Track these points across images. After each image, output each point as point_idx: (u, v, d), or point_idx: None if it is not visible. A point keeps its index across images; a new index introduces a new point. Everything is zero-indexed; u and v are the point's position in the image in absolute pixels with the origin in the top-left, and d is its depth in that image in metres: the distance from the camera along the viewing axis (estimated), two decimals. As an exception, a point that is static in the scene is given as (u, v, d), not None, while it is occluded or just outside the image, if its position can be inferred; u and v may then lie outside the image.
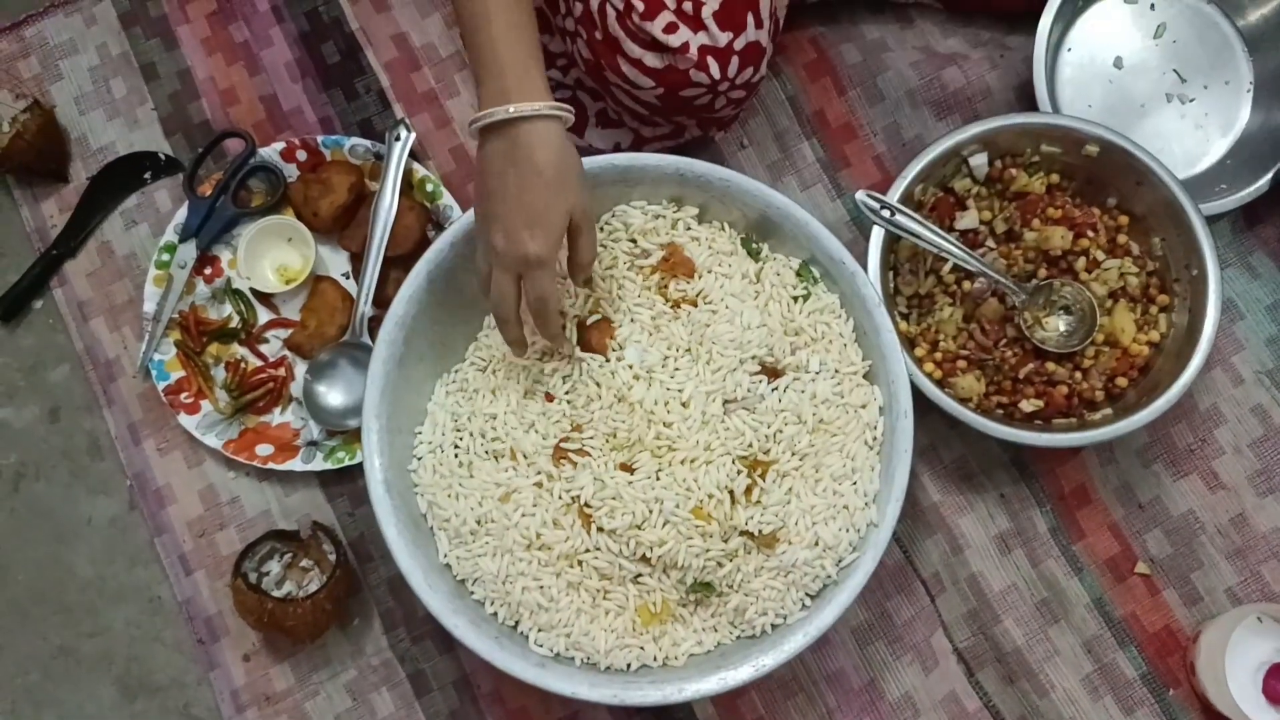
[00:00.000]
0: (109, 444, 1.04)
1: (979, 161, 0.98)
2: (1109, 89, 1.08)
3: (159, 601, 1.00)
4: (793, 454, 0.87)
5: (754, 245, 0.93)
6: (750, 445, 0.86)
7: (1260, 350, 1.02)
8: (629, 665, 0.85)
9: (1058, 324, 0.95)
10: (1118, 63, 1.09)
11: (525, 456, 0.88)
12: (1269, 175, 1.01)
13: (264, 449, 1.00)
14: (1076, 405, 0.95)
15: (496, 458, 0.89)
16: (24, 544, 1.02)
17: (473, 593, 0.87)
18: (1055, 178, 0.99)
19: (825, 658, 0.96)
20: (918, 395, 0.90)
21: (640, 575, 0.86)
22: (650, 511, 0.84)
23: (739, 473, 0.85)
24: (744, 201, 0.91)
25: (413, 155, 1.03)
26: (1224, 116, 1.08)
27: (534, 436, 0.88)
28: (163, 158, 1.10)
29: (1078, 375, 0.95)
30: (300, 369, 1.03)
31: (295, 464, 0.99)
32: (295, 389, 1.03)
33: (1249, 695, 0.90)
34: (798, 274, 0.92)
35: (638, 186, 0.92)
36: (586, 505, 0.85)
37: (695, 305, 0.91)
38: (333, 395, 1.00)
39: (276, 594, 0.95)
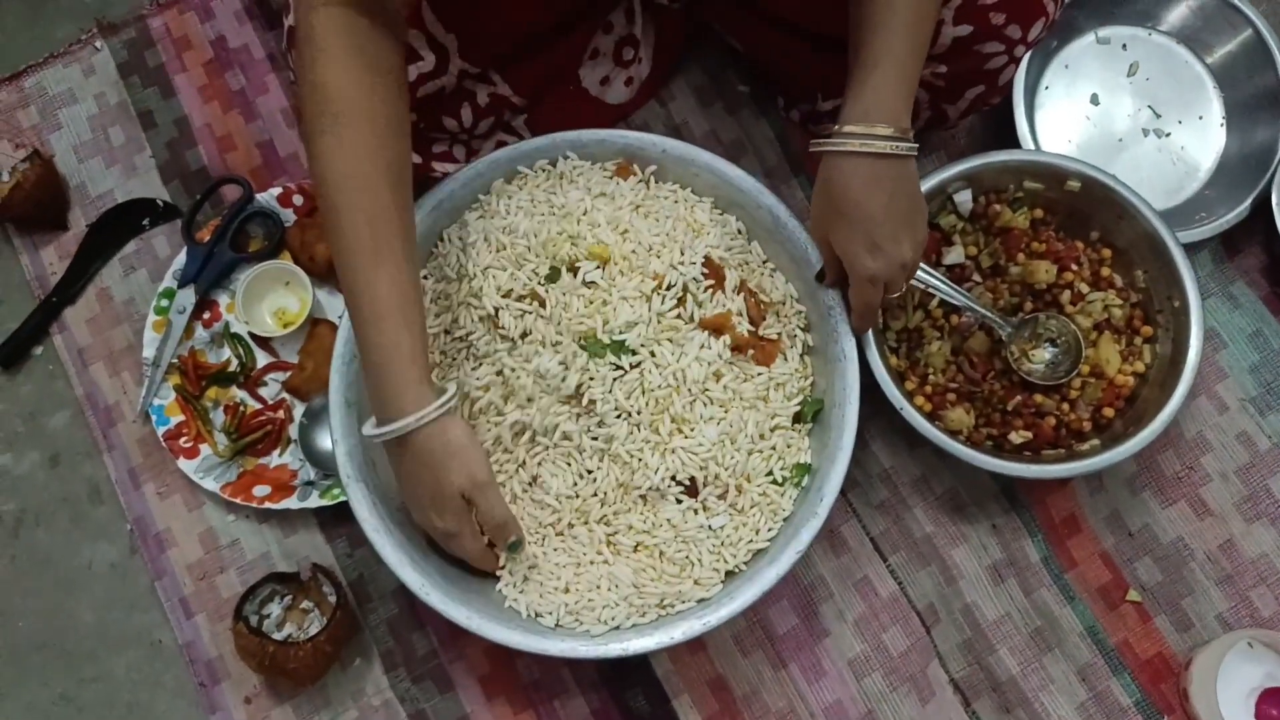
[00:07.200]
0: (109, 489, 1.04)
1: (964, 198, 1.00)
2: (1087, 125, 1.11)
3: (160, 646, 1.01)
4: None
5: (812, 409, 0.91)
6: (603, 502, 0.88)
7: (1243, 378, 1.04)
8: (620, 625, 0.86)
9: (1044, 356, 0.97)
10: (1094, 99, 1.11)
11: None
12: (1248, 200, 1.04)
13: (261, 490, 1.00)
14: (1065, 436, 0.96)
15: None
16: (25, 591, 1.03)
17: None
18: (1039, 213, 1.01)
19: (822, 689, 0.97)
20: (909, 429, 0.91)
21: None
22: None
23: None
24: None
25: (408, 199, 1.05)
26: (1200, 149, 1.10)
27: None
28: (161, 204, 1.12)
29: (1065, 406, 0.96)
30: (299, 411, 1.04)
31: (291, 502, 0.99)
32: (294, 431, 1.04)
33: (1242, 721, 0.92)
34: (797, 466, 0.89)
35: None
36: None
37: (723, 357, 0.88)
38: (329, 438, 1.00)
39: (277, 636, 0.95)
